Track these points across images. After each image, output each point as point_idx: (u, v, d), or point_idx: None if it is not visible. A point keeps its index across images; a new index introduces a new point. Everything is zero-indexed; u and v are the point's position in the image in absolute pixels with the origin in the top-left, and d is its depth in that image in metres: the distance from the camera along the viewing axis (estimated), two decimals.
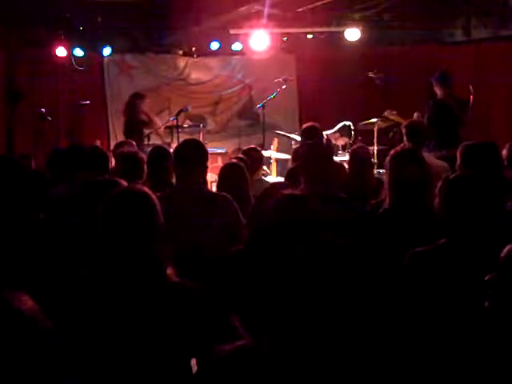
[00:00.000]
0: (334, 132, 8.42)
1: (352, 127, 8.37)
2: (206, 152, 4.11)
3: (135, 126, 8.19)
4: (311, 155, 4.23)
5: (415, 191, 3.59)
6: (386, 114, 7.63)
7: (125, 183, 3.56)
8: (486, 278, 2.17)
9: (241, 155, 5.53)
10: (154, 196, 2.48)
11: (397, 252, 3.02)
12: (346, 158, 7.73)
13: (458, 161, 4.83)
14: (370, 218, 3.90)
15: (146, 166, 4.90)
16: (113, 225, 2.37)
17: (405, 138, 5.54)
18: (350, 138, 8.41)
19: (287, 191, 2.82)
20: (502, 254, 2.14)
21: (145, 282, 2.33)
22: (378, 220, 3.75)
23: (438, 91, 7.43)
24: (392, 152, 3.89)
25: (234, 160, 4.93)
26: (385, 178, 3.97)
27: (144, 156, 4.90)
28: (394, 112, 7.57)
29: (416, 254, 2.83)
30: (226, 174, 4.67)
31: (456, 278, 2.65)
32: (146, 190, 2.50)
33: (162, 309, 2.32)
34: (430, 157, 5.38)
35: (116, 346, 2.27)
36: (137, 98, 8.50)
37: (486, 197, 2.79)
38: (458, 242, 2.73)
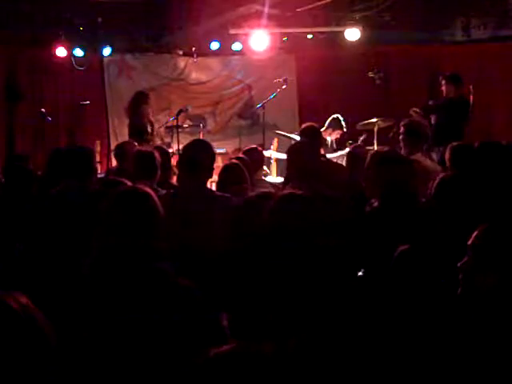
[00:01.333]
0: (326, 128, 8.41)
1: (341, 118, 8.36)
2: (213, 154, 4.10)
3: (138, 128, 8.08)
4: (298, 154, 4.28)
5: (400, 190, 3.62)
6: (411, 112, 7.60)
7: (129, 183, 3.57)
8: (458, 265, 2.23)
9: (241, 155, 5.52)
10: (155, 196, 2.50)
11: (386, 250, 3.04)
12: (338, 154, 7.77)
13: (447, 162, 4.86)
14: (361, 216, 3.93)
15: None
16: (113, 223, 2.40)
17: (401, 137, 5.49)
18: (342, 129, 8.41)
19: (287, 191, 2.82)
20: (470, 240, 2.21)
21: (143, 279, 2.35)
22: (367, 218, 3.78)
23: (449, 90, 7.43)
24: (373, 154, 3.92)
25: (234, 160, 4.92)
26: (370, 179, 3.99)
27: (158, 156, 4.84)
28: (418, 110, 7.55)
29: (402, 253, 2.85)
30: (226, 174, 4.66)
31: (442, 274, 2.67)
32: (148, 189, 2.52)
33: (159, 307, 2.33)
34: (425, 160, 5.40)
35: (112, 343, 2.28)
36: (141, 101, 8.31)
37: (471, 197, 2.82)
38: (444, 240, 2.75)
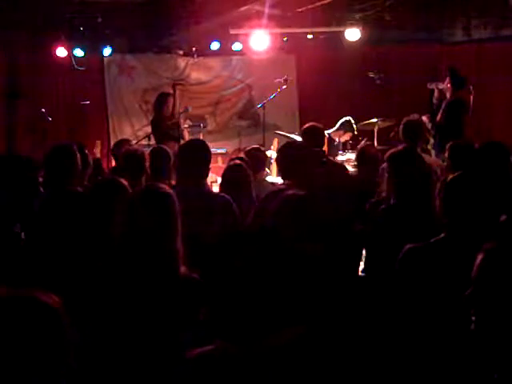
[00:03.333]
0: (337, 129, 8.41)
1: (352, 121, 8.37)
2: (210, 153, 4.11)
3: (159, 124, 8.12)
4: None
5: (415, 189, 3.62)
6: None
7: (125, 182, 3.58)
8: (465, 295, 2.02)
9: (242, 155, 5.51)
10: (173, 194, 2.54)
11: (398, 248, 3.04)
12: (348, 156, 7.77)
13: (448, 162, 4.87)
14: (368, 215, 3.93)
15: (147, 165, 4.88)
16: (136, 222, 2.44)
17: (401, 135, 5.66)
18: (353, 132, 8.40)
19: (290, 191, 2.83)
20: (474, 268, 1.98)
21: (158, 275, 2.38)
22: (379, 216, 3.78)
23: (449, 88, 7.40)
24: (390, 152, 3.93)
25: (238, 161, 4.91)
26: (385, 178, 3.99)
27: (145, 154, 4.89)
28: (416, 115, 7.57)
29: (410, 251, 2.85)
30: (230, 175, 4.65)
31: (449, 274, 2.66)
32: (169, 189, 2.57)
33: (173, 300, 2.36)
34: (425, 156, 5.44)
35: (122, 335, 2.30)
36: (162, 101, 8.32)
37: (481, 197, 2.81)
38: (452, 239, 2.74)
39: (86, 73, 10.17)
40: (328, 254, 2.99)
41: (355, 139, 8.22)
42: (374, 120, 8.17)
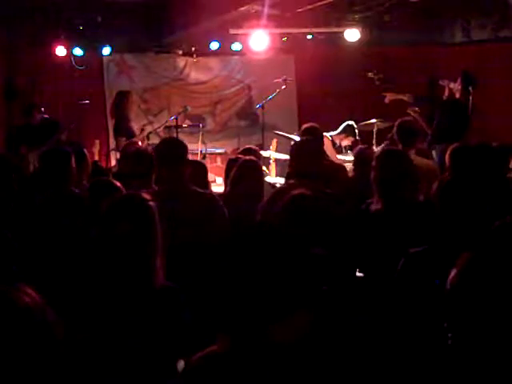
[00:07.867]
0: (339, 133, 8.42)
1: (355, 126, 8.38)
2: (186, 147, 4.10)
3: (124, 124, 8.06)
4: (300, 151, 4.26)
5: (398, 188, 3.63)
6: (409, 111, 7.59)
7: (118, 184, 3.57)
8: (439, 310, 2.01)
9: (240, 155, 5.51)
10: (153, 205, 2.48)
11: (386, 249, 3.04)
12: (350, 157, 7.78)
13: (447, 163, 4.88)
14: (361, 215, 3.94)
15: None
16: (110, 232, 2.37)
17: (394, 136, 5.62)
18: (354, 137, 8.42)
19: (297, 191, 2.82)
20: (447, 284, 1.96)
21: (135, 286, 2.34)
22: (367, 218, 3.79)
23: (459, 89, 7.39)
24: (377, 153, 3.95)
25: (252, 158, 4.87)
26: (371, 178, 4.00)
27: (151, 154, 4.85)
28: (417, 109, 7.57)
29: (411, 255, 2.85)
30: (245, 169, 4.61)
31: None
32: (147, 197, 2.50)
33: (148, 312, 2.32)
34: (418, 158, 5.43)
35: (104, 346, 2.27)
36: (123, 100, 8.28)
37: (475, 199, 2.80)
38: (450, 244, 2.73)
39: (85, 72, 10.17)
40: (329, 254, 2.99)
41: (356, 144, 8.24)
42: (374, 120, 8.17)
